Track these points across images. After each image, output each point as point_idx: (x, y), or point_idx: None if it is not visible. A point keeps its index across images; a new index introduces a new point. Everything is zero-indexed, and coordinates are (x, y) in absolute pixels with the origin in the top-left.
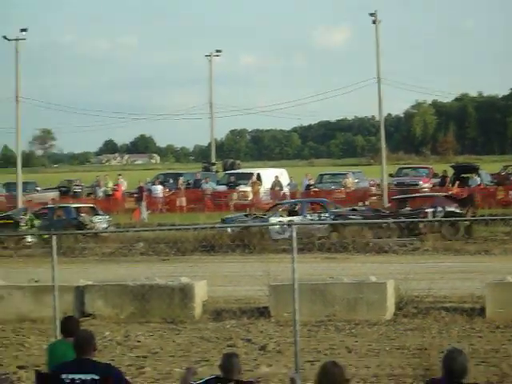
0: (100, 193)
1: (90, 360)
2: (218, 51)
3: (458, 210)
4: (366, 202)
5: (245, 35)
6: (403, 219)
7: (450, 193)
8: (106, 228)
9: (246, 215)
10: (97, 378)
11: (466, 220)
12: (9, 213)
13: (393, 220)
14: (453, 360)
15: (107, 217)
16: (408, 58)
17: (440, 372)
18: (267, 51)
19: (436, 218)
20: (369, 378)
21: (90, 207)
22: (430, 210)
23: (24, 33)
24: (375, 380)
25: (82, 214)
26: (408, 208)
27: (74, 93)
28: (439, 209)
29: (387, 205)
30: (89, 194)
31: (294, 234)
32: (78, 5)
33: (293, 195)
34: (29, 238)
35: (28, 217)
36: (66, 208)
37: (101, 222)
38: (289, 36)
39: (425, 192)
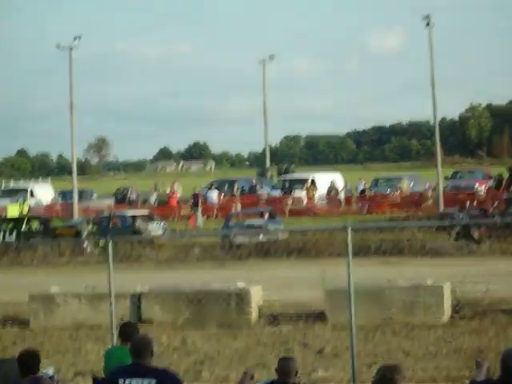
0: (153, 199)
1: (146, 364)
2: (271, 56)
3: None
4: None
5: (298, 40)
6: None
7: None
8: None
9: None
10: (154, 382)
11: None
12: (71, 223)
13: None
14: (510, 358)
15: (163, 223)
16: (462, 60)
17: (497, 374)
18: (320, 55)
19: None
20: (426, 381)
21: (146, 214)
22: None
23: (77, 41)
24: (433, 383)
25: (138, 222)
26: None
27: (129, 101)
28: None
29: (441, 208)
30: (144, 202)
31: (349, 238)
32: (131, 13)
33: (348, 200)
34: (88, 249)
35: (90, 227)
36: (121, 215)
37: (156, 228)
38: (342, 39)
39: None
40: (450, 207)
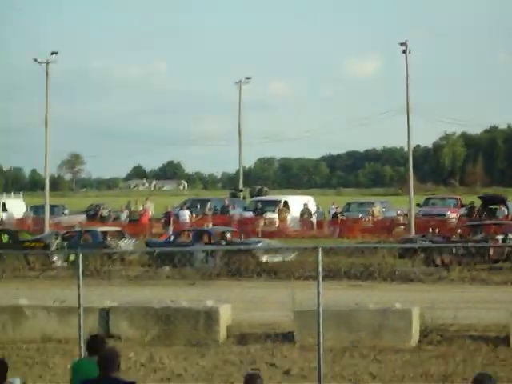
0: (124, 217)
1: (114, 377)
2: (247, 78)
3: None
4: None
5: (275, 63)
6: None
7: None
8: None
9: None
10: None
11: None
12: (40, 236)
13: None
14: (481, 383)
15: (134, 240)
16: (438, 88)
17: None
18: (297, 79)
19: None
20: None
21: (117, 231)
22: (500, 237)
23: (54, 56)
24: None
25: (109, 238)
26: (480, 235)
27: (105, 118)
28: (510, 236)
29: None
30: (116, 219)
31: (320, 258)
32: (107, 32)
33: (320, 223)
34: (57, 262)
35: (59, 240)
36: (92, 232)
37: (127, 245)
38: (319, 64)
39: (498, 220)
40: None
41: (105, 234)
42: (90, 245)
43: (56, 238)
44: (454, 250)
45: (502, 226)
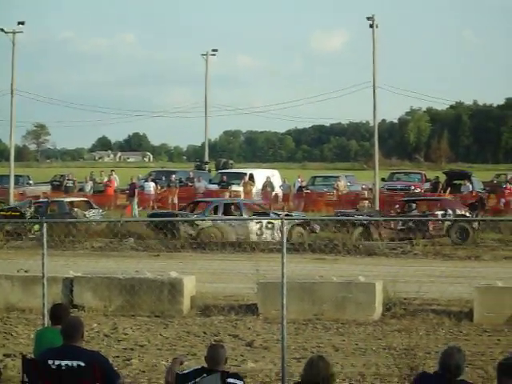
0: (88, 188)
1: (77, 347)
2: (214, 50)
3: (467, 214)
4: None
5: (241, 36)
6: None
7: None
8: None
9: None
10: (83, 364)
11: (474, 220)
12: (15, 204)
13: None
14: (450, 355)
15: (101, 211)
16: (404, 64)
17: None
18: (264, 53)
19: (446, 218)
20: (354, 377)
21: (84, 201)
22: (439, 213)
23: (21, 26)
24: (361, 378)
25: (75, 209)
26: (416, 211)
27: (70, 89)
28: (449, 212)
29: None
30: (80, 190)
31: (284, 229)
32: (74, 2)
33: (286, 197)
34: (31, 230)
35: (33, 209)
36: (59, 202)
37: (94, 216)
38: (286, 38)
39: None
40: (386, 208)
41: (71, 204)
42: (56, 215)
43: (30, 207)
44: (392, 224)
45: (441, 201)
